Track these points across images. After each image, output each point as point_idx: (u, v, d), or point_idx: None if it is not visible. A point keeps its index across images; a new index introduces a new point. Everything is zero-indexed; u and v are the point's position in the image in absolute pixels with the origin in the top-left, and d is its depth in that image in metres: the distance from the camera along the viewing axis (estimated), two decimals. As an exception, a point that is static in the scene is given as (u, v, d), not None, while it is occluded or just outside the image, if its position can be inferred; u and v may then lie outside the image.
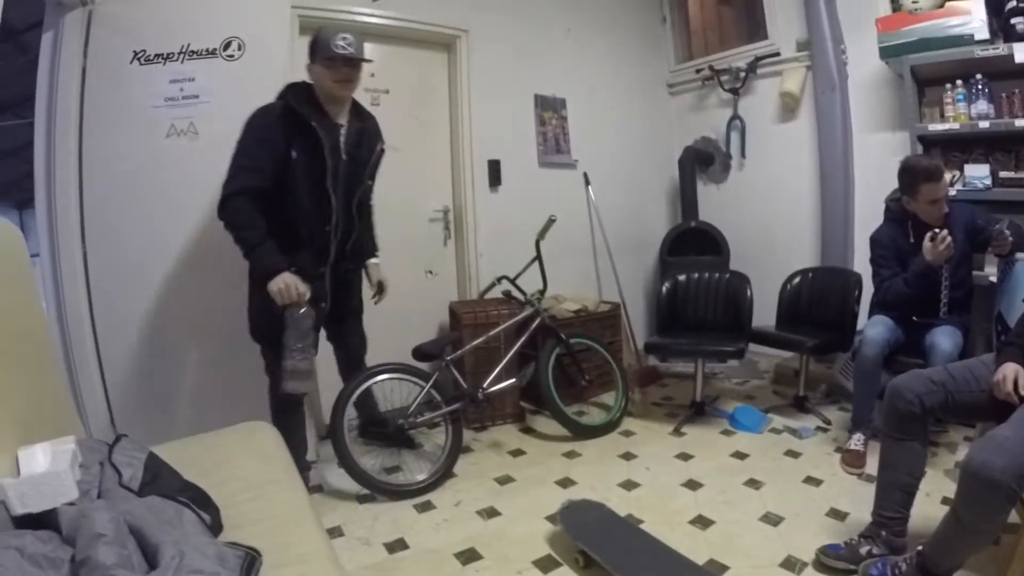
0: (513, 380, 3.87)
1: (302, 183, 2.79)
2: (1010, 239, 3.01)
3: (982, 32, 3.74)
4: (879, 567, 2.27)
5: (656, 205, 6.03)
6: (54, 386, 2.10)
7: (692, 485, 3.29)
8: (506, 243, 4.68)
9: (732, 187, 5.74)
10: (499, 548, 2.75)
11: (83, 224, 3.17)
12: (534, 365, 3.88)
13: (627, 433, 4.07)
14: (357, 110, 3.05)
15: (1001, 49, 3.66)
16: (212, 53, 3.26)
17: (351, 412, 3.29)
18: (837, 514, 2.89)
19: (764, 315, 4.41)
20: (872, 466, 2.99)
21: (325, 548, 1.69)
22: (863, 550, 2.40)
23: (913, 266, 3.23)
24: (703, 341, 4.17)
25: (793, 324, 4.35)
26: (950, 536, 2.06)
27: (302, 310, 2.77)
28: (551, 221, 4.00)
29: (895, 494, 2.39)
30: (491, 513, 3.06)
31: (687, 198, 5.61)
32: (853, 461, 3.33)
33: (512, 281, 4.09)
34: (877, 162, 4.46)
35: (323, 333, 3.22)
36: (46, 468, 1.45)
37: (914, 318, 3.40)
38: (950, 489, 2.84)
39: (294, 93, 2.82)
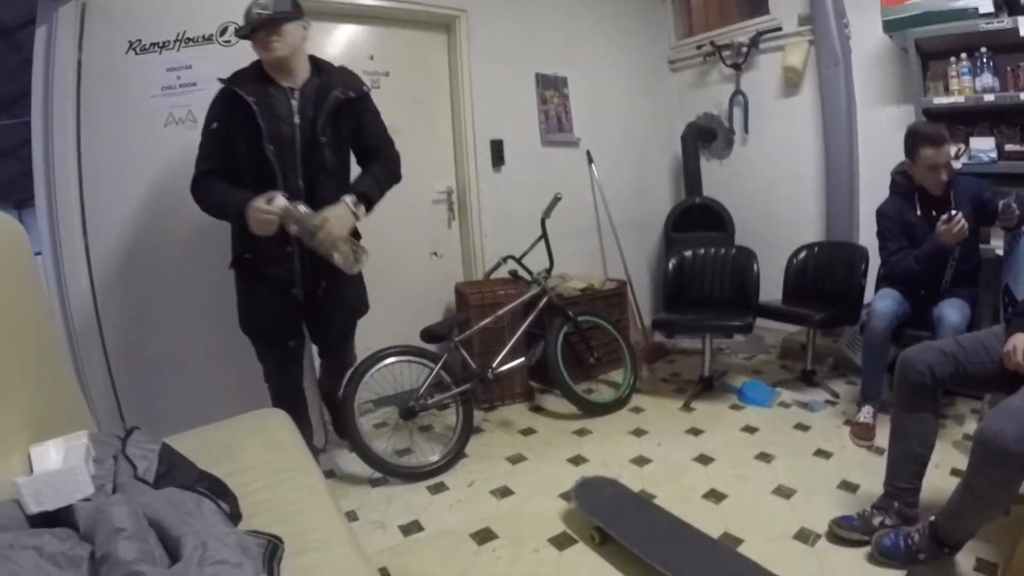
0: (522, 359, 3.88)
1: (244, 157, 2.70)
2: (1017, 213, 3.00)
3: (986, 5, 3.70)
4: (892, 538, 2.28)
5: (660, 182, 6.01)
6: (63, 382, 2.09)
7: (703, 460, 3.30)
8: (511, 223, 4.68)
9: (736, 163, 5.71)
10: (514, 527, 2.76)
11: (84, 219, 3.16)
12: (543, 344, 3.88)
13: (637, 410, 4.08)
14: (318, 67, 2.85)
15: (1006, 22, 3.63)
16: (209, 39, 3.23)
17: (362, 395, 3.28)
18: (848, 486, 2.91)
19: (770, 290, 4.41)
20: (881, 438, 3.01)
21: (345, 533, 1.69)
22: (876, 521, 2.41)
23: (926, 245, 3.21)
24: (710, 317, 4.17)
25: (800, 298, 4.35)
26: (962, 506, 2.07)
27: (291, 206, 2.55)
28: (557, 199, 4.00)
29: (907, 465, 2.40)
30: (504, 492, 3.08)
31: (690, 174, 5.59)
32: (863, 434, 3.34)
33: (518, 261, 4.10)
34: (882, 136, 4.43)
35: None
36: (59, 464, 1.44)
37: (921, 292, 3.39)
38: (959, 461, 2.88)
39: (238, 71, 2.78)
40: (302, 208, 2.57)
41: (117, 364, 3.28)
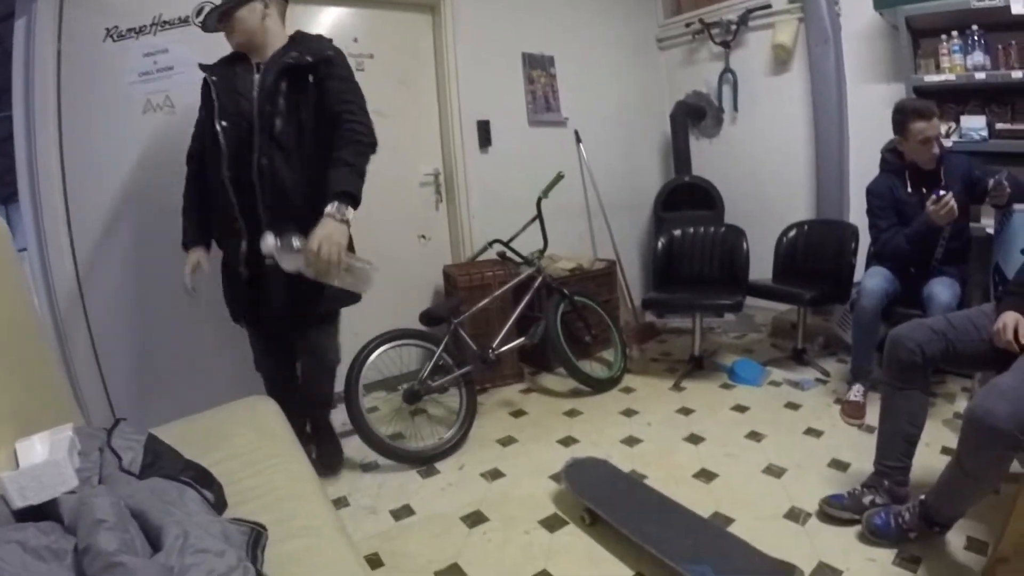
0: (523, 339, 3.90)
1: (208, 137, 2.69)
2: (1008, 190, 2.99)
3: (978, -17, 3.68)
4: (882, 516, 2.29)
5: (649, 161, 5.98)
6: (49, 377, 2.08)
7: (694, 439, 3.31)
8: (498, 204, 4.67)
9: (725, 141, 5.69)
10: (505, 509, 2.77)
11: (68, 213, 3.13)
12: (543, 323, 3.89)
13: (627, 389, 4.08)
14: (294, 41, 2.73)
15: (997, 0, 3.60)
16: (185, 21, 3.19)
17: (365, 377, 3.26)
18: (839, 465, 2.91)
19: (760, 268, 4.41)
20: (872, 417, 3.01)
21: (331, 519, 1.69)
22: (866, 500, 2.41)
23: (916, 224, 3.21)
24: (700, 295, 4.16)
25: (790, 277, 4.34)
26: (953, 485, 2.07)
27: (277, 246, 2.37)
28: (559, 177, 4.03)
29: (897, 443, 2.39)
30: (495, 475, 3.08)
31: (680, 153, 5.56)
32: (853, 412, 3.35)
33: (506, 244, 4.09)
34: (872, 114, 4.39)
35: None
36: (44, 458, 1.44)
37: (911, 270, 3.39)
38: (949, 439, 2.88)
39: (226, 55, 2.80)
40: (295, 242, 2.38)
41: (106, 357, 3.26)
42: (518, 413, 3.81)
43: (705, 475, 2.94)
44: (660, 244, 4.58)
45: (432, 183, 4.61)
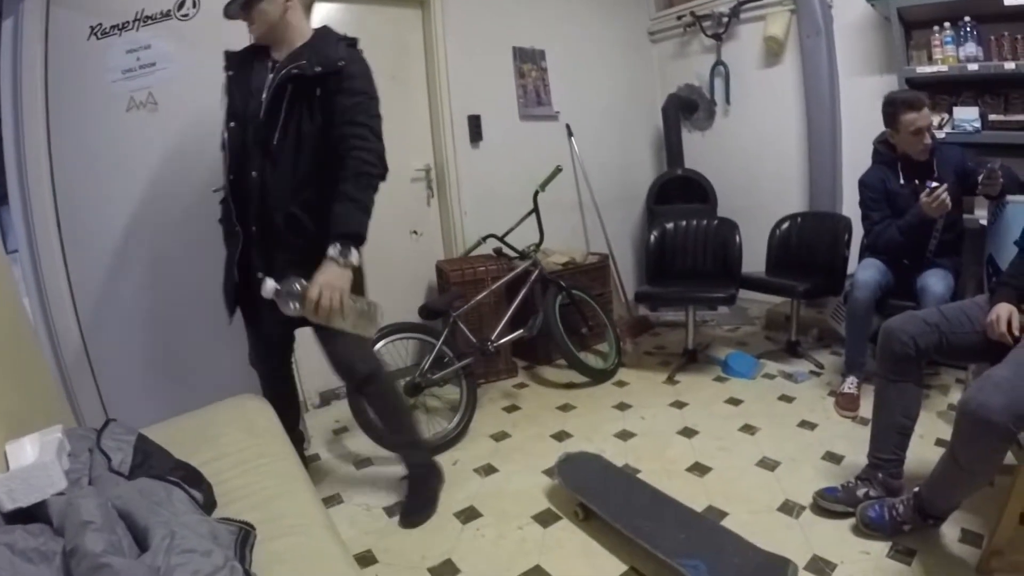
0: (521, 331, 3.89)
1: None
2: (1001, 179, 2.99)
3: (970, -27, 3.67)
4: (876, 509, 2.29)
5: (641, 154, 5.97)
6: (40, 379, 2.07)
7: (687, 433, 3.30)
8: (490, 199, 4.67)
9: (717, 134, 5.68)
10: (498, 505, 2.76)
11: (58, 214, 3.10)
12: (542, 315, 3.89)
13: (621, 383, 4.08)
14: (311, 41, 2.47)
15: (989, -10, 3.59)
16: (167, 15, 3.14)
17: None
18: (833, 457, 2.91)
19: (753, 261, 4.40)
20: (866, 409, 3.01)
21: (320, 517, 1.69)
22: (860, 492, 2.41)
23: (909, 217, 3.21)
24: (693, 288, 4.17)
25: (783, 269, 4.34)
26: (947, 477, 2.07)
27: (278, 292, 2.18)
28: (557, 171, 4.04)
29: (891, 435, 2.39)
30: (488, 470, 3.07)
31: (672, 146, 5.55)
32: (847, 404, 3.35)
33: (500, 239, 4.09)
34: (865, 106, 4.39)
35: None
36: (33, 461, 1.43)
37: (905, 261, 3.38)
38: (943, 431, 2.88)
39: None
40: (296, 286, 2.17)
41: (97, 358, 3.24)
42: (511, 408, 3.81)
43: (699, 469, 2.93)
44: (653, 237, 4.58)
45: (423, 178, 4.59)
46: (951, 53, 3.90)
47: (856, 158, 4.30)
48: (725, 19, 5.28)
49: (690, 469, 2.94)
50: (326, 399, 3.98)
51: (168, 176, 3.00)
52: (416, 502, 2.75)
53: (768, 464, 2.91)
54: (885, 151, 3.48)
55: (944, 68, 3.91)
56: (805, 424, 3.28)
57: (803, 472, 2.81)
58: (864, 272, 3.37)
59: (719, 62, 5.43)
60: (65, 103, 3.05)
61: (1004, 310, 2.17)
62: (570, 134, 5.23)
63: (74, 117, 3.06)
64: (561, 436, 3.38)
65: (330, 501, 2.85)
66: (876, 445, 2.45)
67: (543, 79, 5.07)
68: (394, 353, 3.46)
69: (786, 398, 3.62)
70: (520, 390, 4.10)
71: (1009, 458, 1.98)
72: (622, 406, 3.71)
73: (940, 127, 3.88)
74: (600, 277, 4.85)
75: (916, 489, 2.22)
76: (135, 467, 1.65)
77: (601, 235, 5.34)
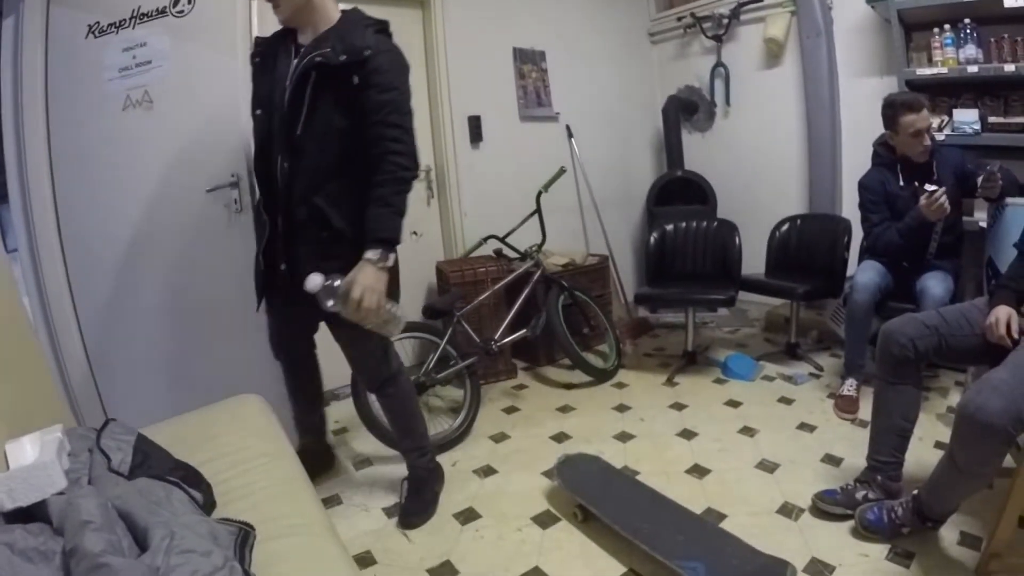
0: (524, 331, 3.91)
1: None
2: (1000, 182, 2.99)
3: (970, -24, 3.67)
4: (875, 511, 2.29)
5: (641, 155, 5.97)
6: (40, 378, 2.07)
7: (687, 434, 3.30)
8: (490, 199, 4.67)
9: (717, 135, 5.68)
10: (497, 506, 2.76)
11: (57, 214, 3.09)
12: (544, 315, 3.91)
13: (620, 385, 4.08)
14: (339, 24, 2.37)
15: (990, -8, 3.59)
16: (162, 12, 3.08)
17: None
18: (832, 460, 2.91)
19: (753, 263, 4.41)
20: (865, 411, 3.01)
21: (320, 517, 1.69)
22: (859, 495, 2.41)
23: (908, 219, 3.21)
24: (693, 290, 4.17)
25: (783, 271, 4.34)
26: (946, 480, 2.07)
27: (322, 289, 2.20)
28: (561, 172, 4.06)
29: (890, 438, 2.39)
30: (488, 472, 3.07)
31: (672, 147, 5.55)
32: (846, 407, 3.35)
33: (502, 240, 4.11)
34: (865, 107, 4.39)
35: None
36: (33, 460, 1.43)
37: (904, 264, 3.38)
38: (942, 434, 2.88)
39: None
40: (339, 284, 2.19)
41: (97, 357, 3.23)
42: (511, 409, 3.80)
43: (698, 471, 2.93)
44: (653, 239, 4.58)
45: (423, 179, 4.59)
46: (951, 55, 3.90)
47: (856, 160, 4.30)
48: (725, 20, 5.28)
49: (689, 471, 2.94)
50: (325, 400, 3.97)
51: (165, 175, 2.98)
52: (416, 503, 2.74)
53: (767, 466, 2.91)
54: (885, 153, 3.49)
55: (944, 70, 3.91)
56: (804, 426, 3.28)
57: (802, 474, 2.81)
58: (863, 274, 3.37)
59: (719, 63, 5.43)
60: (64, 102, 3.04)
61: (1003, 312, 2.17)
62: (570, 135, 5.23)
63: (73, 116, 3.05)
64: (560, 437, 3.38)
65: (329, 502, 2.85)
66: (875, 447, 2.45)
67: (543, 80, 5.08)
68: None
69: (785, 400, 3.62)
70: (519, 391, 4.10)
71: (1008, 461, 1.98)
72: (621, 408, 3.71)
73: (940, 129, 3.88)
74: (600, 278, 4.85)
75: (915, 492, 2.22)
76: (135, 467, 1.65)
77: (601, 236, 5.35)
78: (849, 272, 3.85)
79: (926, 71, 3.98)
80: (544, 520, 2.62)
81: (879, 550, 2.24)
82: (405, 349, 3.56)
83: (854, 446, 2.91)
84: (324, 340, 2.69)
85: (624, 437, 3.33)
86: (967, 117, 3.87)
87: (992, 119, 3.83)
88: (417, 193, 4.52)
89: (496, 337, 3.81)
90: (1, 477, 1.37)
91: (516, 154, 4.89)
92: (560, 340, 3.97)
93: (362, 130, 2.27)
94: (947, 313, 2.37)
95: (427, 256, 4.56)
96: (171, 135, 2.86)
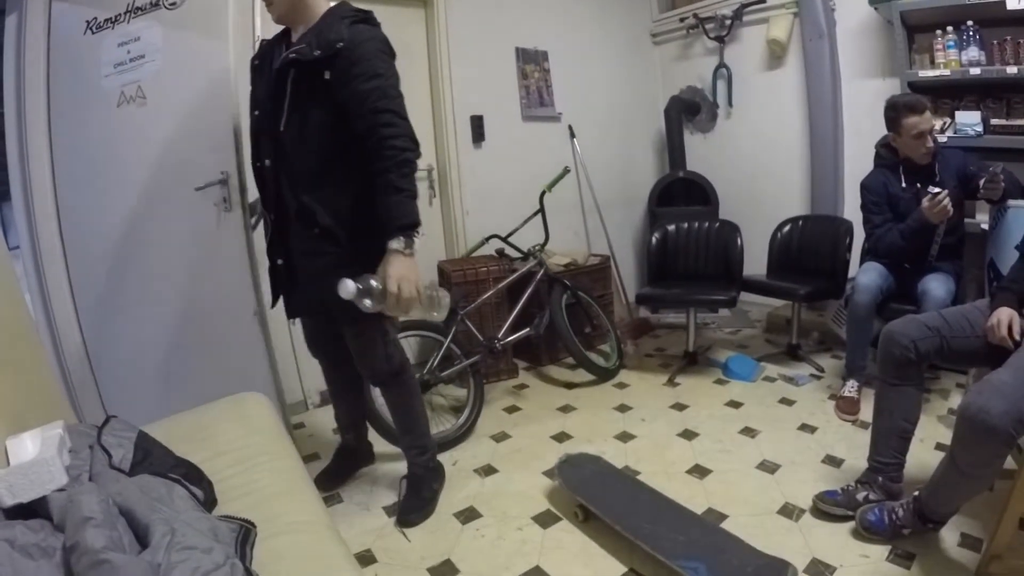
0: (528, 329, 3.93)
1: None
2: (1002, 183, 2.99)
3: (973, -23, 3.67)
4: (876, 513, 2.28)
5: (643, 156, 5.98)
6: (41, 375, 2.07)
7: (688, 435, 3.30)
8: (492, 199, 4.69)
9: (719, 136, 5.68)
10: (498, 505, 2.76)
11: (58, 211, 3.08)
12: (548, 314, 3.94)
13: (621, 385, 4.08)
14: (322, 19, 2.32)
15: (992, -6, 3.59)
16: (155, 5, 3.04)
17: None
18: (833, 461, 2.91)
19: (755, 264, 4.40)
20: (866, 413, 3.00)
21: (321, 516, 1.69)
22: (860, 496, 2.41)
23: (910, 221, 3.20)
24: (694, 291, 4.17)
25: (784, 272, 4.34)
26: (947, 481, 2.06)
27: (358, 289, 2.10)
28: (565, 172, 4.09)
29: (891, 439, 2.39)
30: (488, 471, 3.07)
31: (674, 148, 5.55)
32: (847, 408, 3.35)
33: (504, 240, 4.11)
34: (867, 109, 4.39)
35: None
36: (34, 456, 1.43)
37: (906, 265, 3.38)
38: (943, 435, 2.88)
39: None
40: (373, 283, 2.13)
41: (96, 355, 3.22)
42: (512, 409, 3.80)
43: (699, 471, 2.93)
44: (654, 239, 4.57)
45: (425, 178, 4.60)
46: (953, 57, 3.89)
47: (858, 162, 4.30)
48: (728, 21, 5.28)
49: (690, 471, 2.93)
50: (326, 399, 3.97)
51: (161, 172, 2.96)
52: (415, 501, 2.74)
53: (768, 467, 2.91)
54: (887, 155, 3.49)
55: (946, 72, 3.91)
56: (805, 427, 3.27)
57: (803, 475, 2.80)
58: (865, 276, 3.37)
59: (721, 64, 5.43)
60: (66, 100, 3.03)
61: (1004, 314, 2.16)
62: (572, 135, 5.23)
63: (74, 114, 3.04)
64: (561, 437, 3.38)
65: (330, 500, 2.85)
66: (876, 449, 2.45)
67: (546, 80, 5.08)
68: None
69: (786, 401, 3.61)
70: (520, 391, 4.10)
71: (1009, 463, 1.98)
72: (622, 408, 3.70)
73: (942, 131, 3.88)
74: (601, 278, 4.85)
75: (916, 493, 2.22)
76: (136, 464, 1.65)
77: (602, 236, 5.35)
78: (851, 273, 3.85)
79: (929, 73, 3.98)
80: (545, 520, 2.62)
81: (880, 551, 2.24)
82: (412, 347, 3.57)
83: (855, 447, 2.91)
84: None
85: (625, 437, 3.33)
86: (969, 119, 3.87)
87: (994, 121, 3.83)
88: (419, 192, 4.52)
89: (500, 336, 3.82)
90: (1, 473, 1.37)
91: (518, 154, 4.90)
92: (564, 338, 3.98)
93: (348, 126, 2.24)
94: (949, 315, 2.36)
95: (429, 255, 4.55)
96: (163, 131, 2.84)
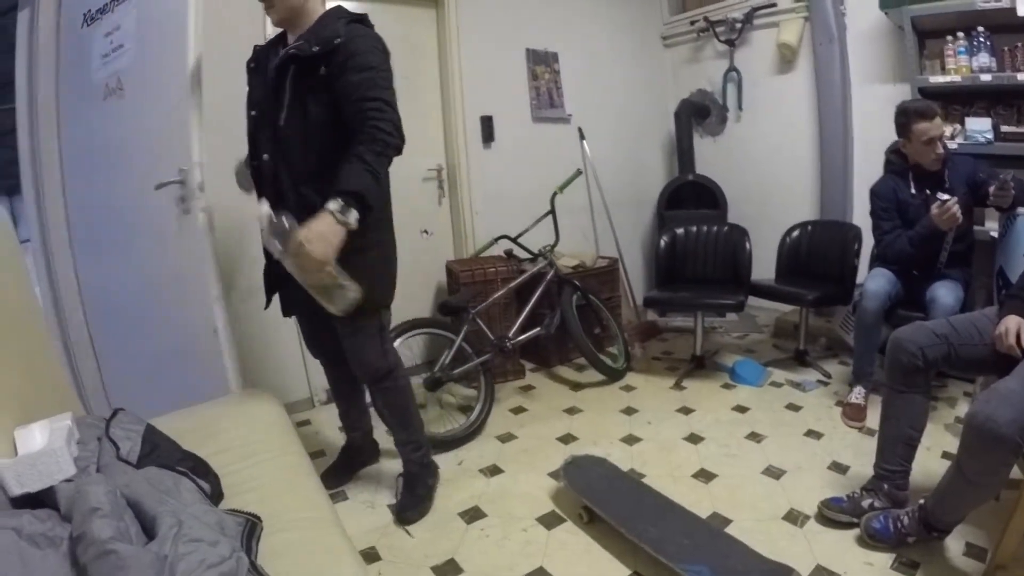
0: (538, 329, 3.95)
1: None
2: (1013, 191, 2.98)
3: (983, -16, 3.66)
4: (881, 520, 2.28)
5: (652, 159, 5.97)
6: (50, 366, 2.07)
7: (693, 439, 3.30)
8: (501, 199, 4.69)
9: (729, 140, 5.68)
10: (503, 506, 2.76)
11: (66, 204, 3.08)
12: (559, 314, 3.95)
13: (628, 388, 4.08)
14: (319, 20, 2.37)
15: (1003, 1, 3.57)
16: None
17: None
18: (839, 467, 2.90)
19: (763, 268, 4.39)
20: (873, 419, 3.00)
21: (327, 512, 1.69)
22: (865, 503, 2.41)
23: (919, 228, 3.19)
24: (702, 294, 4.16)
25: (793, 277, 4.33)
26: (953, 490, 2.06)
27: (270, 218, 2.09)
28: (577, 174, 4.11)
29: (897, 447, 2.38)
30: (494, 471, 3.07)
31: (684, 151, 5.54)
32: (854, 414, 3.34)
33: (514, 240, 4.13)
34: (877, 114, 4.37)
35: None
36: (42, 447, 1.44)
37: (915, 272, 3.37)
38: (950, 443, 2.87)
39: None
40: (286, 222, 2.06)
41: (102, 349, 3.23)
42: (518, 409, 3.81)
43: (704, 475, 2.93)
44: (663, 242, 4.57)
45: (435, 178, 4.61)
46: (964, 63, 3.88)
47: (867, 167, 4.29)
48: (738, 25, 5.28)
49: (696, 475, 2.93)
50: (332, 396, 3.98)
51: (146, 168, 2.93)
52: (410, 499, 2.75)
53: (774, 472, 2.91)
54: (897, 161, 3.48)
55: (957, 78, 3.90)
56: (811, 433, 3.27)
57: (808, 481, 2.80)
58: (874, 282, 3.36)
59: (732, 68, 5.43)
60: (71, 93, 3.03)
61: (1013, 323, 2.15)
62: (582, 137, 5.23)
63: (77, 108, 3.03)
64: (567, 439, 3.38)
65: (334, 497, 2.85)
66: (882, 456, 2.44)
67: (556, 81, 5.08)
68: (403, 350, 3.44)
69: (793, 407, 3.61)
70: (528, 392, 4.10)
71: (1015, 472, 1.98)
72: (629, 410, 3.70)
73: (952, 138, 3.86)
74: (609, 281, 4.85)
75: (921, 501, 2.21)
76: (143, 456, 1.65)
77: (611, 239, 5.34)
78: (859, 279, 3.84)
79: (939, 79, 3.97)
80: (549, 521, 2.62)
81: (884, 559, 2.23)
82: (420, 345, 3.57)
83: (861, 454, 2.90)
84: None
85: (631, 440, 3.33)
86: (980, 126, 3.86)
87: (1005, 128, 3.81)
88: (428, 192, 4.55)
89: (510, 335, 3.84)
90: (10, 462, 1.38)
91: (528, 155, 4.90)
92: (576, 338, 3.99)
93: (343, 119, 2.26)
94: (957, 322, 2.36)
95: (437, 255, 4.56)
96: (142, 123, 2.75)
